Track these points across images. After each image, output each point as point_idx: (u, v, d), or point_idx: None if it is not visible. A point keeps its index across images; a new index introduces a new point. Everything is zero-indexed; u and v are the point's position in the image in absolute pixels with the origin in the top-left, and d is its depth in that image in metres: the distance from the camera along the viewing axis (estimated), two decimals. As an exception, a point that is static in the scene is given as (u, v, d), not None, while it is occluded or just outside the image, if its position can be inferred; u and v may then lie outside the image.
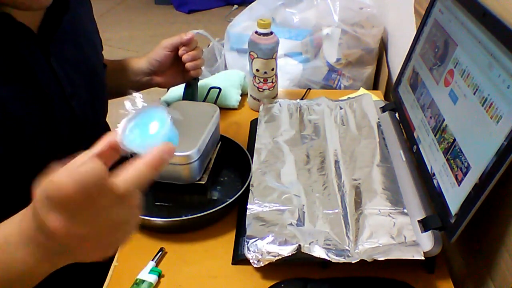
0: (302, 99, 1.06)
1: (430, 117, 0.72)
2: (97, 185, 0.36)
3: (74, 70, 0.71)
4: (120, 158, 0.43)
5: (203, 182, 0.77)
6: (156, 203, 0.78)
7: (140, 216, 0.68)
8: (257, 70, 0.97)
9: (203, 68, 0.93)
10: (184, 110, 0.82)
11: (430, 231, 0.63)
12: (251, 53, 0.95)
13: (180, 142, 0.75)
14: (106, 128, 0.88)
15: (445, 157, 0.65)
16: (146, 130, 0.44)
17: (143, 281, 0.64)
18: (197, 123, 0.78)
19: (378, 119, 0.88)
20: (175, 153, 0.69)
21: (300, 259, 0.63)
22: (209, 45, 1.49)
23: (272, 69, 0.97)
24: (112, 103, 0.86)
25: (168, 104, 1.09)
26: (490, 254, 0.61)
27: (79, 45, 0.74)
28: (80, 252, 0.40)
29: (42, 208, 0.37)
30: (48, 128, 0.66)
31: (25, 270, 0.42)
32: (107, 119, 0.88)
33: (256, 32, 0.94)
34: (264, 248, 0.63)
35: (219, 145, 0.85)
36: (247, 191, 0.74)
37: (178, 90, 1.07)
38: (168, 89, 1.21)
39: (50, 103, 0.66)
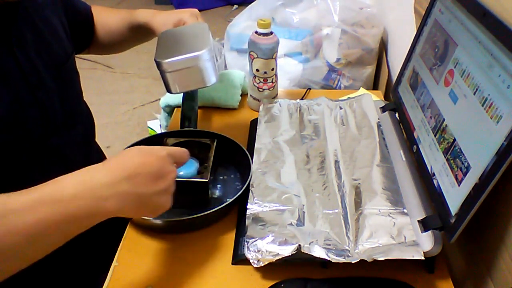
0: (302, 99, 1.06)
1: (430, 117, 0.72)
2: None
3: (38, 59, 0.68)
4: None
5: (206, 180, 0.76)
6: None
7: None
8: (257, 70, 0.97)
9: None
10: (176, 35, 0.82)
11: (430, 231, 0.63)
12: (251, 53, 0.95)
13: (188, 48, 0.75)
14: (81, 118, 0.84)
15: (445, 157, 0.65)
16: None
17: None
18: (195, 37, 0.79)
19: (378, 119, 0.88)
20: (188, 55, 0.73)
21: (300, 259, 0.63)
22: (209, 45, 1.49)
23: (272, 69, 0.97)
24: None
25: (166, 106, 1.09)
26: (490, 254, 0.61)
27: (41, 34, 0.71)
28: (149, 203, 0.55)
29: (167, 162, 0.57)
30: (15, 120, 0.64)
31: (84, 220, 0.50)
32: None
33: (256, 32, 0.94)
34: (264, 248, 0.63)
35: (215, 142, 0.83)
36: (247, 191, 0.74)
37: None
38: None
39: (15, 91, 0.64)
